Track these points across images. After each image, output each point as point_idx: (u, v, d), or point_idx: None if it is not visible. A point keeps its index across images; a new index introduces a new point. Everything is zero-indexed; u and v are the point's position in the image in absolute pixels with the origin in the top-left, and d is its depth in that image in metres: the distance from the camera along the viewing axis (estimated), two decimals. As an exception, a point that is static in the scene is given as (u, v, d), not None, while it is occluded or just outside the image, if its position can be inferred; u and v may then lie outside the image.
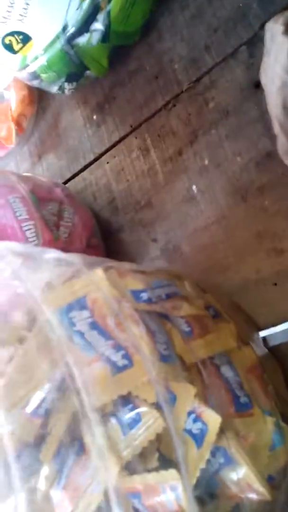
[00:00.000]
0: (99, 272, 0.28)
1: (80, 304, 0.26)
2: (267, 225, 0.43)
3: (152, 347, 0.25)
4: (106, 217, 0.54)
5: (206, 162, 0.47)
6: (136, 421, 0.24)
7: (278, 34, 0.30)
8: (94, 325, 0.25)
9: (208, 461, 0.26)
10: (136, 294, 0.29)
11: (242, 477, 0.26)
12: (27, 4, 0.39)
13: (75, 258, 0.28)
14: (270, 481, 0.28)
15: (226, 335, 0.31)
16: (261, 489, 0.25)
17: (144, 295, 0.29)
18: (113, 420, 0.25)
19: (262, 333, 0.45)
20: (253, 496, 0.26)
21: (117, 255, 0.54)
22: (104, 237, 0.54)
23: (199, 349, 0.28)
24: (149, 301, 0.29)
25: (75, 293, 0.26)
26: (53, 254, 0.29)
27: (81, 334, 0.25)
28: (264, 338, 0.45)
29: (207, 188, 0.47)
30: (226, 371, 0.29)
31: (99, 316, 0.26)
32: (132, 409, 0.25)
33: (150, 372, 0.24)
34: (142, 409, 0.24)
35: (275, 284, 0.44)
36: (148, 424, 0.24)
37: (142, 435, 0.24)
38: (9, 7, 0.39)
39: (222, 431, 0.25)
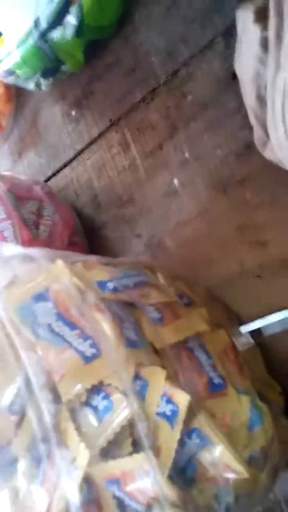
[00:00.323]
0: (59, 263, 0.27)
1: (44, 296, 0.26)
2: (249, 217, 0.43)
3: (118, 333, 0.25)
4: (89, 214, 0.54)
5: (187, 155, 0.46)
6: (108, 408, 0.24)
7: (249, 23, 0.30)
8: (59, 316, 0.25)
9: (184, 443, 0.25)
10: (101, 284, 0.28)
11: (218, 456, 0.26)
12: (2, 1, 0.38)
13: (37, 252, 0.28)
14: (252, 462, 0.28)
15: (197, 319, 0.31)
16: (238, 467, 0.25)
17: (110, 285, 0.29)
18: (87, 409, 0.24)
19: (251, 326, 0.45)
20: (231, 476, 0.26)
21: (101, 252, 0.53)
22: (87, 234, 0.53)
23: (170, 334, 0.28)
24: (114, 290, 0.29)
25: (38, 286, 0.26)
26: (16, 250, 0.29)
27: (47, 325, 0.25)
28: (253, 331, 0.45)
29: (188, 181, 0.46)
30: (199, 353, 0.29)
31: (63, 307, 0.25)
32: (104, 397, 0.25)
33: (118, 359, 0.24)
34: (114, 396, 0.24)
35: (259, 276, 0.44)
36: (119, 410, 0.24)
37: (114, 421, 0.24)
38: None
39: (194, 411, 0.25)
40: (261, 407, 0.30)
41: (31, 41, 0.43)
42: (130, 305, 0.29)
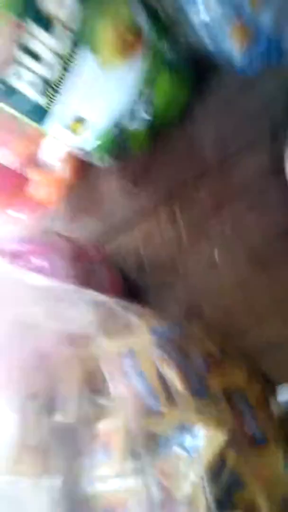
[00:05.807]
0: (146, 338, 0.31)
1: (132, 352, 0.30)
2: (286, 293, 0.47)
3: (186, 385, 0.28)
4: (133, 278, 0.58)
5: (229, 232, 0.52)
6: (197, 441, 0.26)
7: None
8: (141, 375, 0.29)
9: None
10: (154, 330, 0.32)
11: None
12: (94, 96, 0.46)
13: (110, 301, 0.32)
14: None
15: (238, 373, 0.34)
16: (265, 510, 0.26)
17: (161, 331, 0.33)
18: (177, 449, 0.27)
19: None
20: None
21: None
22: (131, 296, 0.57)
23: (216, 382, 0.31)
24: (165, 337, 0.32)
25: (131, 344, 0.30)
26: (89, 295, 0.33)
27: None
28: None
29: (229, 255, 0.51)
30: (244, 408, 0.31)
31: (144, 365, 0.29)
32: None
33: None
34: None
35: (292, 349, 0.47)
36: (209, 441, 0.26)
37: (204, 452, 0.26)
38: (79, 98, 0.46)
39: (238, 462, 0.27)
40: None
41: (108, 128, 0.51)
42: (181, 353, 0.32)
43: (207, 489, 0.24)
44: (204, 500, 0.25)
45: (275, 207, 0.49)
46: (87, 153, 0.56)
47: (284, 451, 0.34)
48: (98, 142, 0.53)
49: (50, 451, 0.32)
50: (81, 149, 0.54)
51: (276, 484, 0.31)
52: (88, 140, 0.52)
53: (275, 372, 0.48)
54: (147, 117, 0.49)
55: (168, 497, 0.26)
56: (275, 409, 0.41)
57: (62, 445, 0.32)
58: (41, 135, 0.65)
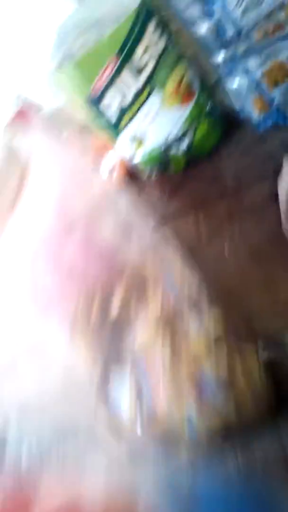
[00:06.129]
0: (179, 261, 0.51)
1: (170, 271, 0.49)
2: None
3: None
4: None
5: (237, 235, 0.71)
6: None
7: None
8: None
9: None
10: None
11: None
12: (153, 125, 0.68)
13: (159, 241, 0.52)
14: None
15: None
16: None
17: None
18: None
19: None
20: None
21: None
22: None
23: None
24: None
25: (166, 266, 0.49)
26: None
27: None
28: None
29: (235, 250, 0.71)
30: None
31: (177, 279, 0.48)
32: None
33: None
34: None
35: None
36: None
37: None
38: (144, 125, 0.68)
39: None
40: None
41: (157, 149, 0.72)
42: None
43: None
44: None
45: (272, 219, 0.69)
46: (136, 164, 0.77)
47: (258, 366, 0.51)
48: (147, 158, 0.74)
49: (101, 333, 0.50)
50: (134, 161, 0.75)
51: (252, 377, 0.48)
52: (141, 155, 0.73)
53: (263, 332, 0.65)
54: (186, 147, 0.70)
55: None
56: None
57: (111, 331, 0.50)
58: (106, 147, 0.87)
